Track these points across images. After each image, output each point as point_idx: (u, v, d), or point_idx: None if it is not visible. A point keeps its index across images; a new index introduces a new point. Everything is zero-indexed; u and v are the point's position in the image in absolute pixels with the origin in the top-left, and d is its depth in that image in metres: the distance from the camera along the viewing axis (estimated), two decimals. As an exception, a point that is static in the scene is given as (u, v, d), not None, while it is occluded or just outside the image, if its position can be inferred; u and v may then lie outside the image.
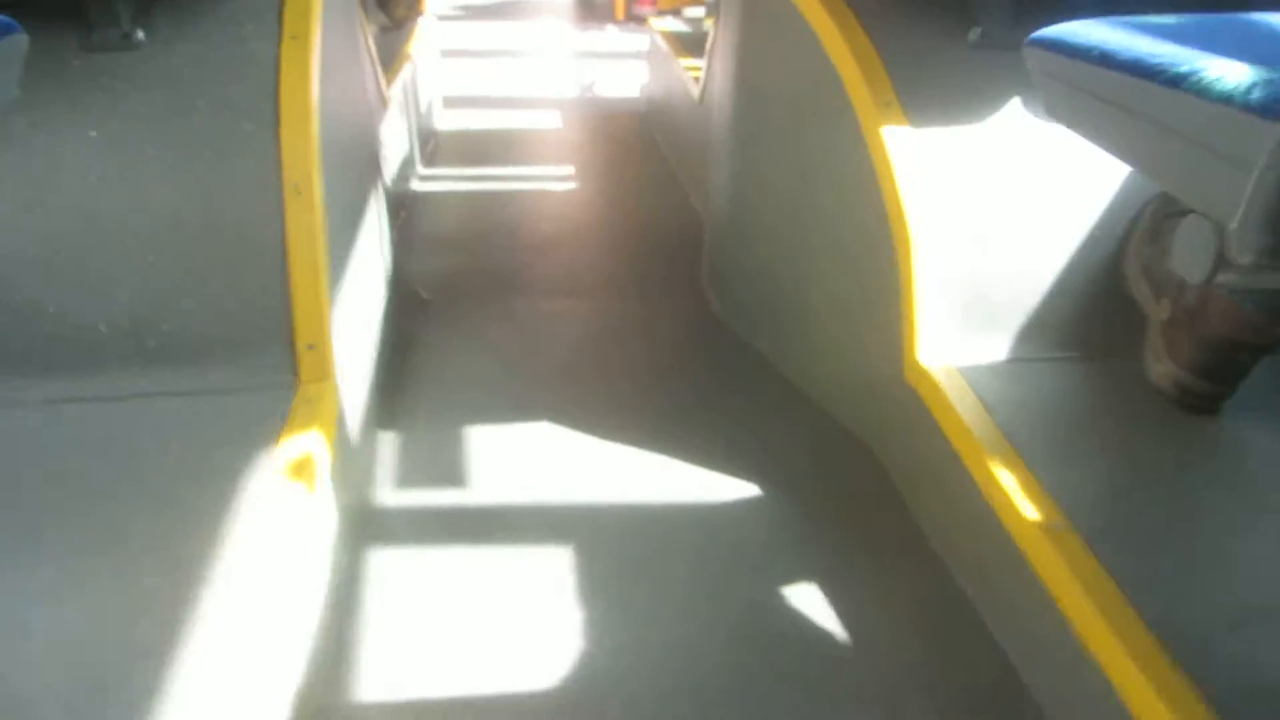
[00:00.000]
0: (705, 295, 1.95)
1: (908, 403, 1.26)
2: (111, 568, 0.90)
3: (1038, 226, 1.28)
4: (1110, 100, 0.66)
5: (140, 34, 1.26)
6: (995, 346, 1.27)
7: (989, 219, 1.28)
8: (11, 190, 1.18)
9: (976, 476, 1.09)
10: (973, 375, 1.22)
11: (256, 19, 1.29)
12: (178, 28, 1.28)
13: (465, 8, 5.15)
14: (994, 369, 1.24)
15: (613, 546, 1.22)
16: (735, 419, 1.50)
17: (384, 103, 2.03)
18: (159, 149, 1.21)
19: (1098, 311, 1.28)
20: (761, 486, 1.34)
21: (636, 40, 4.30)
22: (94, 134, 1.21)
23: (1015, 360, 1.26)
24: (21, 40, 0.69)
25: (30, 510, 0.97)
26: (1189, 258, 0.61)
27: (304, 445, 1.06)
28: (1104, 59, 0.67)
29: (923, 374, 1.23)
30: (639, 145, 2.96)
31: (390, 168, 2.02)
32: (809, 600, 1.14)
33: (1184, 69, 0.59)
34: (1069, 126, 0.76)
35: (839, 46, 1.37)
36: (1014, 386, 1.20)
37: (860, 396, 1.43)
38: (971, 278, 1.26)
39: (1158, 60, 0.61)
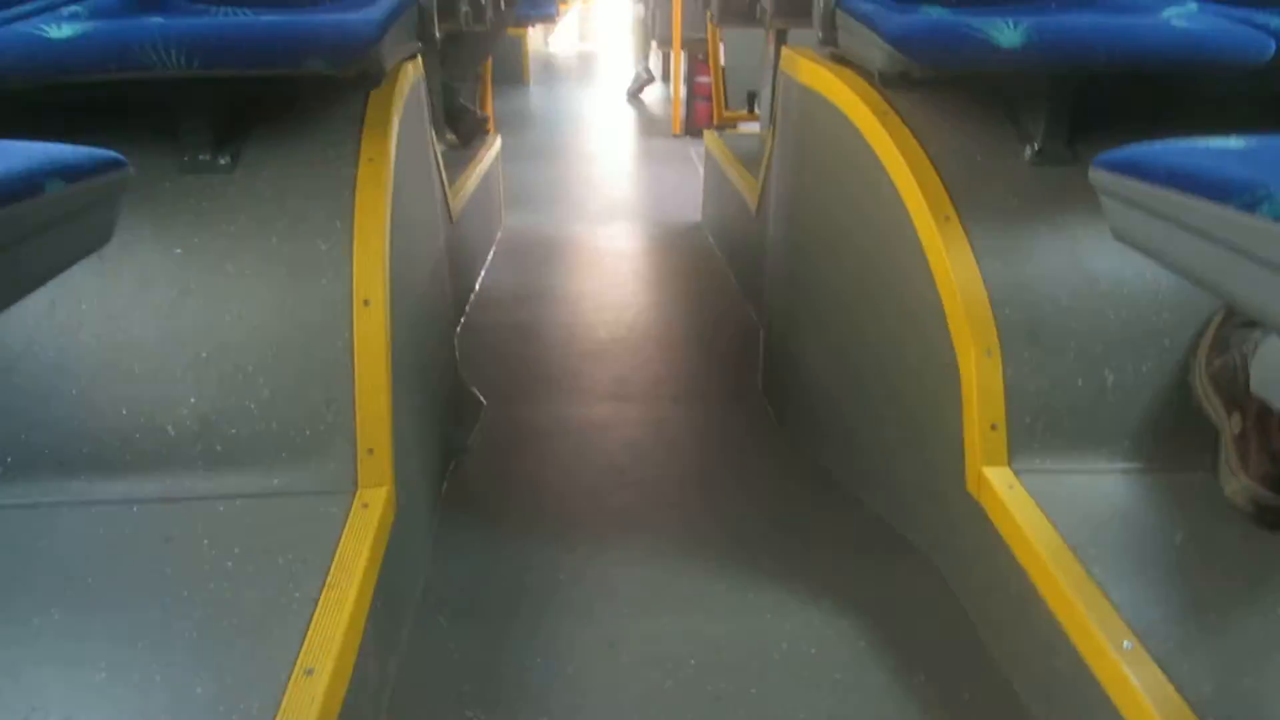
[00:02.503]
0: (761, 403, 1.95)
1: (969, 513, 1.23)
2: (162, 671, 0.90)
3: (1101, 336, 1.27)
4: (1184, 224, 0.66)
5: (223, 160, 1.33)
6: (1060, 457, 1.24)
7: (1051, 328, 1.27)
8: (99, 304, 1.24)
9: (1043, 592, 1.06)
10: (1037, 486, 1.19)
11: (338, 144, 1.36)
12: (267, 151, 1.35)
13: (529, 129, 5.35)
14: (1059, 480, 1.21)
15: (657, 657, 1.20)
16: (791, 529, 1.48)
17: (450, 218, 2.10)
18: (239, 265, 1.27)
19: (1167, 422, 1.25)
20: (818, 599, 1.31)
21: (694, 153, 4.42)
22: (179, 251, 1.27)
23: (1081, 471, 1.23)
24: (127, 175, 0.73)
25: (86, 608, 0.98)
26: (1271, 381, 0.60)
27: (357, 551, 1.07)
28: (1176, 182, 0.67)
29: (985, 483, 1.21)
30: (697, 253, 3.01)
31: (454, 279, 2.08)
32: (866, 715, 1.10)
33: (1259, 193, 0.59)
34: (1138, 248, 0.76)
35: (896, 161, 1.40)
36: (1080, 498, 1.17)
37: (921, 507, 1.41)
38: (1035, 387, 1.25)
39: (1231, 184, 0.61)
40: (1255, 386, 0.83)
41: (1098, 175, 0.80)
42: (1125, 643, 0.94)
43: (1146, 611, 0.98)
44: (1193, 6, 1.45)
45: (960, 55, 1.26)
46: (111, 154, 0.71)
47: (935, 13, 1.57)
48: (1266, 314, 0.60)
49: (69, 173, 0.65)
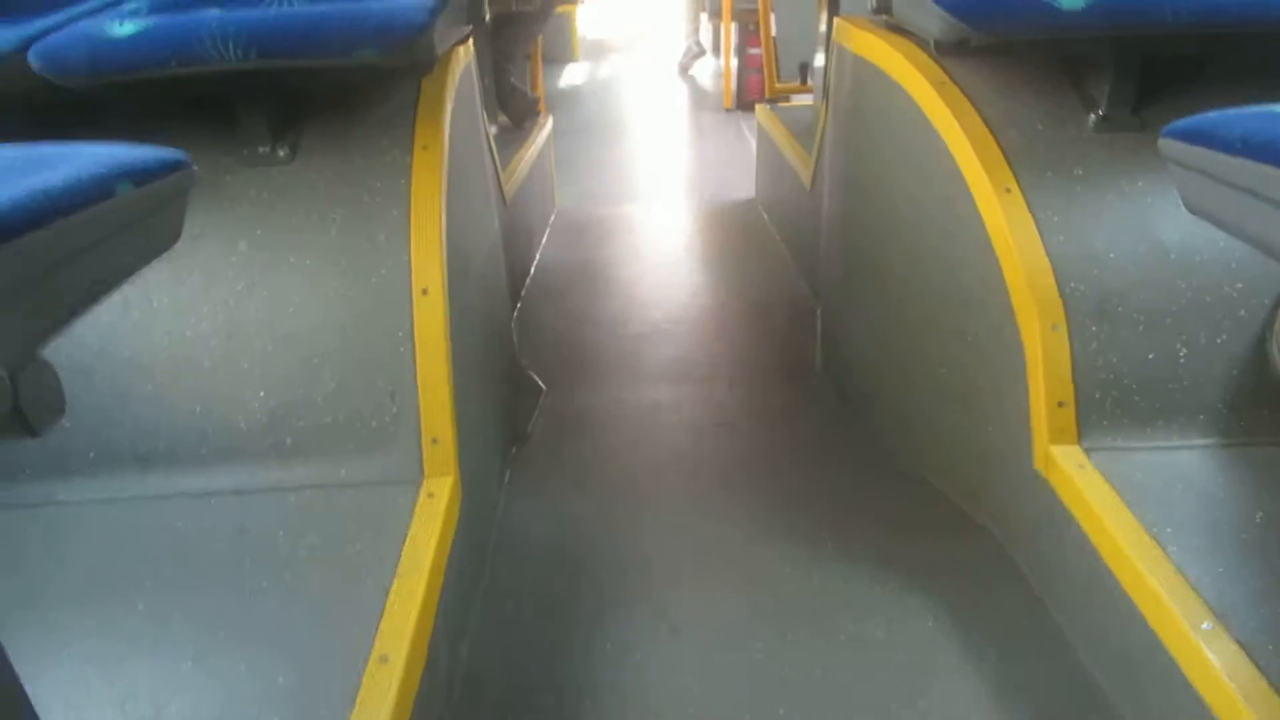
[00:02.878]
0: (819, 381, 1.93)
1: (1038, 492, 1.21)
2: (244, 661, 0.93)
3: (1172, 307, 1.23)
4: (1259, 194, 0.64)
5: (282, 151, 1.35)
6: (1131, 434, 1.21)
7: (1120, 301, 1.23)
8: (169, 299, 1.27)
9: (1118, 572, 1.04)
10: (1108, 462, 1.16)
11: (392, 132, 1.37)
12: (324, 141, 1.37)
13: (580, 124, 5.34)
14: (1131, 458, 1.18)
15: (722, 641, 1.20)
16: (855, 509, 1.47)
17: (504, 200, 2.11)
18: (300, 257, 1.29)
19: (1244, 395, 1.21)
20: (884, 579, 1.30)
21: (746, 127, 4.38)
22: (243, 244, 1.30)
23: (1154, 448, 1.20)
24: (193, 175, 0.75)
25: (169, 600, 1.02)
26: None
27: (425, 540, 1.09)
28: (1251, 150, 0.64)
29: (1054, 461, 1.18)
30: (751, 229, 2.99)
31: (509, 262, 2.09)
32: (935, 695, 1.09)
33: (1341, 162, 0.56)
34: (1211, 220, 0.73)
35: (954, 131, 1.37)
36: (1153, 475, 1.14)
37: (987, 484, 1.38)
38: (1104, 362, 1.22)
39: (1311, 152, 0.59)
40: None
41: (1167, 145, 0.77)
42: (1204, 623, 0.91)
43: (1226, 591, 0.95)
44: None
45: (1021, 20, 1.23)
46: (177, 154, 0.73)
47: (994, -24, 1.53)
48: None
49: (138, 175, 0.67)
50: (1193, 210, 0.76)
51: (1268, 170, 0.63)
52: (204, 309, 1.27)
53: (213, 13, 1.31)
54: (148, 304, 1.27)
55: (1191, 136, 0.73)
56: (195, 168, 0.75)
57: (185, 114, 1.38)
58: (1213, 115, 0.72)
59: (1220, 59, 1.39)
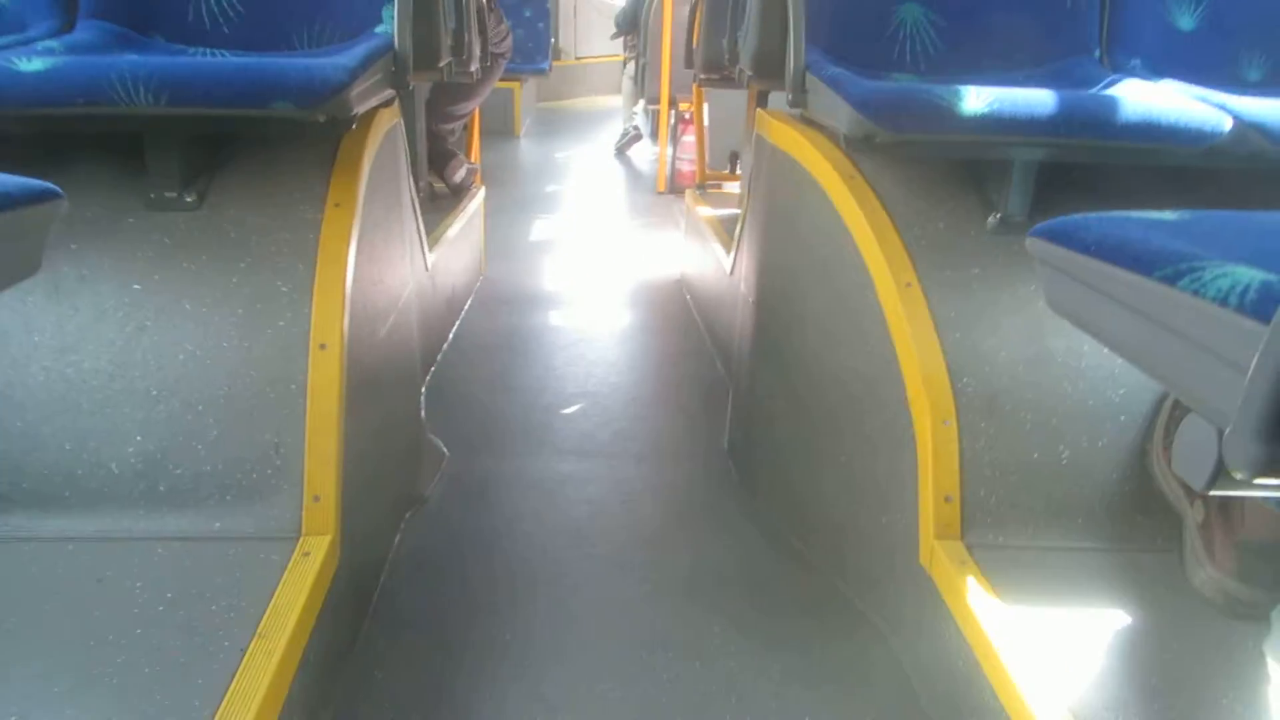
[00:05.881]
0: (726, 464, 1.93)
1: (921, 586, 1.21)
2: (79, 717, 0.87)
3: (1058, 409, 1.26)
4: (1109, 294, 0.66)
5: (189, 197, 1.33)
6: (1014, 532, 1.22)
7: (1009, 400, 1.26)
8: (52, 336, 1.22)
9: (989, 673, 1.03)
10: (990, 561, 1.16)
11: (305, 187, 1.36)
12: (234, 190, 1.35)
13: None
14: (1012, 556, 1.19)
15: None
16: (747, 596, 1.46)
17: (426, 265, 2.10)
18: (196, 304, 1.26)
19: (1122, 500, 1.24)
20: (767, 669, 1.28)
21: (678, 210, 4.46)
22: (137, 287, 1.26)
23: (1035, 548, 1.21)
24: (59, 207, 0.73)
25: (5, 649, 0.96)
26: (1190, 462, 0.59)
27: (293, 601, 1.04)
28: (1103, 253, 0.67)
29: (937, 556, 1.19)
30: (673, 310, 3.02)
31: (427, 326, 2.07)
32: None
33: (1181, 267, 0.59)
34: (1069, 318, 0.76)
35: (860, 225, 1.41)
36: (1033, 576, 1.15)
37: (875, 577, 1.39)
38: (990, 459, 1.24)
39: (1155, 257, 0.61)
40: (1176, 467, 0.81)
41: (1033, 243, 0.80)
42: None
43: (1093, 697, 0.95)
44: (1154, 83, 1.48)
45: (923, 121, 1.28)
46: (45, 185, 0.71)
47: (903, 80, 1.60)
48: (1182, 389, 0.59)
49: (-5, 201, 0.64)
50: (1054, 308, 0.79)
51: (1117, 272, 0.66)
52: (87, 348, 1.23)
53: (127, 57, 1.29)
54: (28, 338, 1.22)
55: (1054, 236, 0.76)
56: (64, 201, 0.72)
57: (93, 153, 1.35)
58: (1075, 217, 0.75)
59: (1116, 170, 1.46)
